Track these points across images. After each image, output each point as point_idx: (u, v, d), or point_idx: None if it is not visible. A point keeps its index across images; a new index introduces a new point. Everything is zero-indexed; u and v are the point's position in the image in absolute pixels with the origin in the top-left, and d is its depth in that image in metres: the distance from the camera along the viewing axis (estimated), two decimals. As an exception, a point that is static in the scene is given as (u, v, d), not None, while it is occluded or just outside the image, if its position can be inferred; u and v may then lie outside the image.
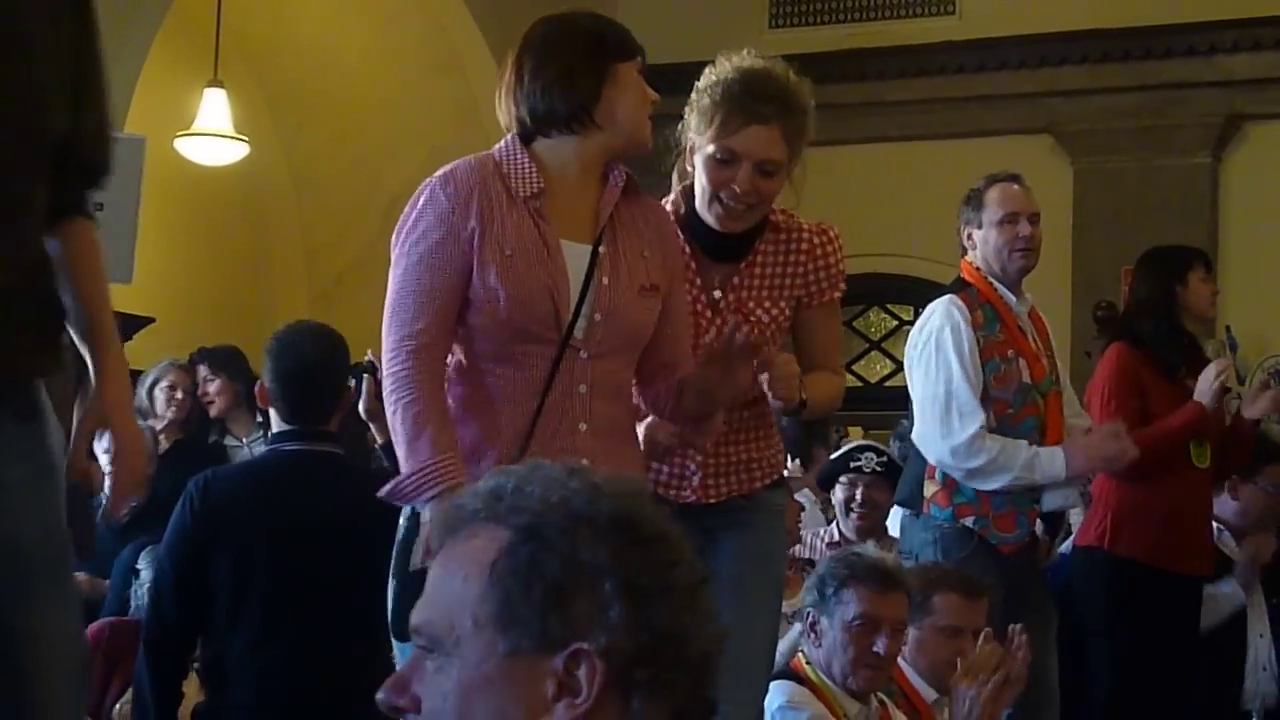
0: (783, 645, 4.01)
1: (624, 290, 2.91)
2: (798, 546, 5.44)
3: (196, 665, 3.94)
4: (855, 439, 7.20)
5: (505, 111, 2.96)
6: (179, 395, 6.44)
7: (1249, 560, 5.40)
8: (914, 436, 4.50)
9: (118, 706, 4.38)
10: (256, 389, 4.01)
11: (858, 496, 5.55)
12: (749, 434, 3.35)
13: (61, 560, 2.43)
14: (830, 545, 5.48)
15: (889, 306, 10.29)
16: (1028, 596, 4.27)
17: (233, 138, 8.91)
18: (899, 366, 9.24)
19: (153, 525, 4.46)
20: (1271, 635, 5.51)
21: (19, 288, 2.36)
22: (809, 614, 3.72)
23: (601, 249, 2.91)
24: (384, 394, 2.87)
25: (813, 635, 3.69)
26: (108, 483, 2.53)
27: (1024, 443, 4.28)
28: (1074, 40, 9.42)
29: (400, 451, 2.80)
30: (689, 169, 3.28)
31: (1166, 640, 4.93)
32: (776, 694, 3.55)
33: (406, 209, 2.90)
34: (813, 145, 3.27)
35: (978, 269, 4.44)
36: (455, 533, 1.45)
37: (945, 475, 4.37)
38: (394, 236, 2.90)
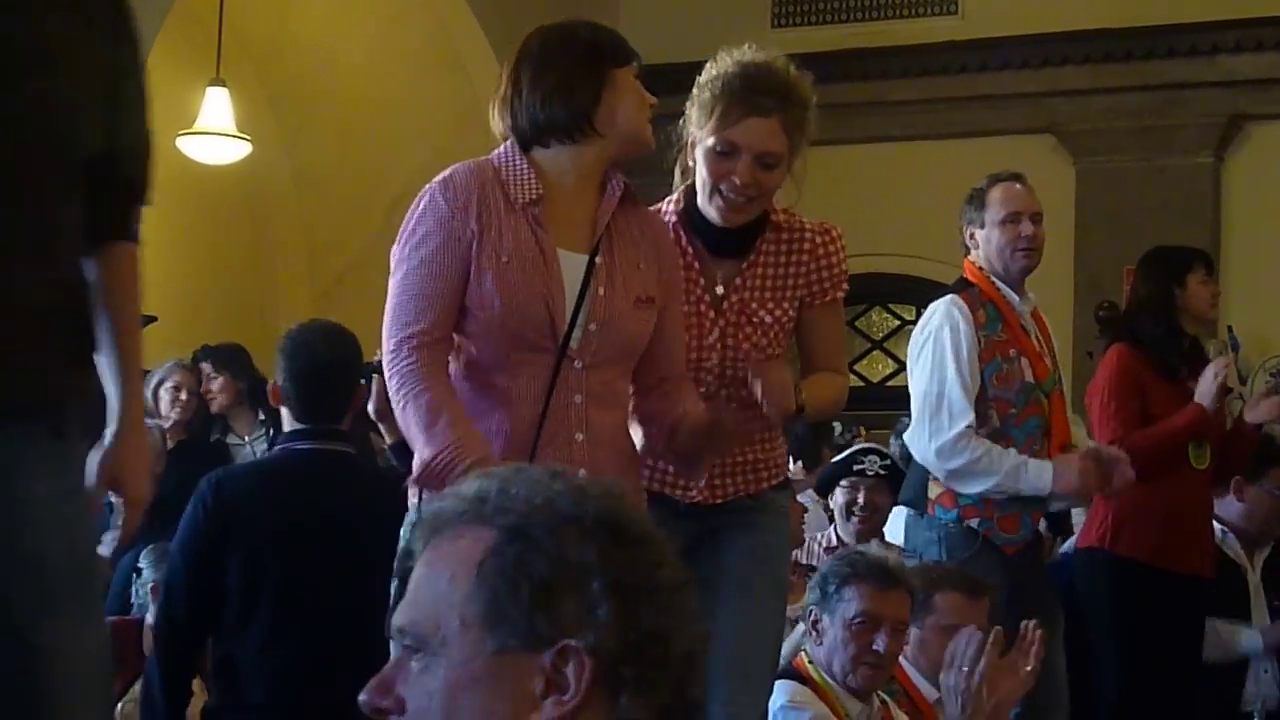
0: (785, 648, 4.00)
1: (619, 301, 2.92)
2: (798, 551, 5.38)
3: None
4: (863, 440, 7.18)
5: (501, 122, 2.96)
6: (183, 396, 6.42)
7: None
8: (906, 434, 4.51)
9: (120, 705, 4.37)
10: (269, 388, 3.99)
11: (860, 500, 5.50)
12: (755, 436, 3.33)
13: (87, 579, 2.38)
14: (828, 550, 5.43)
15: (891, 306, 10.29)
16: (1033, 596, 4.26)
17: (235, 137, 8.90)
18: (901, 366, 9.23)
19: (155, 525, 4.45)
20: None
21: (53, 308, 2.30)
22: (811, 612, 3.72)
23: (598, 259, 2.91)
24: (390, 393, 2.86)
25: (815, 633, 3.70)
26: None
27: (1013, 451, 4.26)
28: (1076, 40, 9.42)
29: (419, 441, 2.78)
30: (690, 164, 3.28)
31: (1170, 639, 4.92)
32: (779, 693, 3.55)
33: (407, 215, 2.91)
34: (815, 145, 3.27)
35: (980, 268, 4.44)
36: (440, 534, 1.45)
37: (948, 477, 4.36)
38: (395, 243, 2.91)
